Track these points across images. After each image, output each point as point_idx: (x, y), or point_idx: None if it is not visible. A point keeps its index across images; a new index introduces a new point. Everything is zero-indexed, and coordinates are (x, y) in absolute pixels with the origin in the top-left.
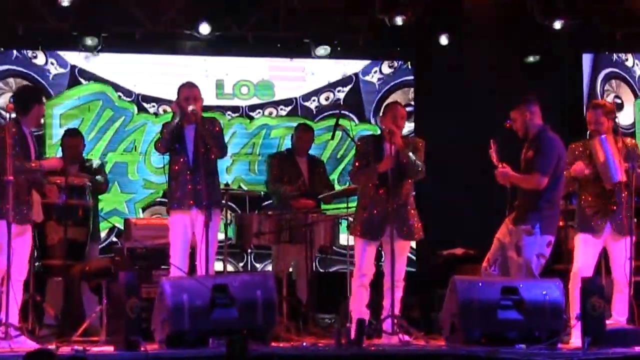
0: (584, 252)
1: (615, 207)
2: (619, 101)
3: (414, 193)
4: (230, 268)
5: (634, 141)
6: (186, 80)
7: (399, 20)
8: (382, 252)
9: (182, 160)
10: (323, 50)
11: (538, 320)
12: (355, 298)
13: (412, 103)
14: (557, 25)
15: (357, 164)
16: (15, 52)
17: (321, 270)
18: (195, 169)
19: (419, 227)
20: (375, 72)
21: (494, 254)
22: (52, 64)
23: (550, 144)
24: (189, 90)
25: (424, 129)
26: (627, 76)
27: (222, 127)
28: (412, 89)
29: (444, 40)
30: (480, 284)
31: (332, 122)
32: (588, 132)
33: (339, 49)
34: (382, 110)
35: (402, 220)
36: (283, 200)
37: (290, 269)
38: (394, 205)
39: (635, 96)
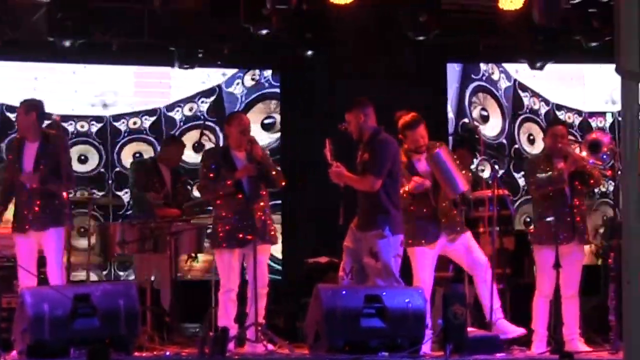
0: (422, 266)
1: (440, 213)
2: (485, 113)
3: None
4: (93, 277)
5: None
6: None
7: (264, 30)
8: (244, 261)
9: (19, 182)
10: (188, 64)
11: (401, 328)
12: (223, 312)
13: (273, 115)
14: (422, 36)
15: (207, 176)
16: None
17: (185, 279)
18: (33, 191)
19: (275, 233)
20: (238, 84)
21: (347, 262)
22: None
23: (383, 147)
24: (27, 105)
25: (290, 139)
26: (493, 89)
27: (67, 145)
28: (273, 101)
29: (310, 51)
30: (343, 292)
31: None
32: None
33: (203, 57)
34: (227, 120)
35: (262, 227)
36: (146, 208)
37: (152, 278)
38: (254, 213)
39: (501, 109)
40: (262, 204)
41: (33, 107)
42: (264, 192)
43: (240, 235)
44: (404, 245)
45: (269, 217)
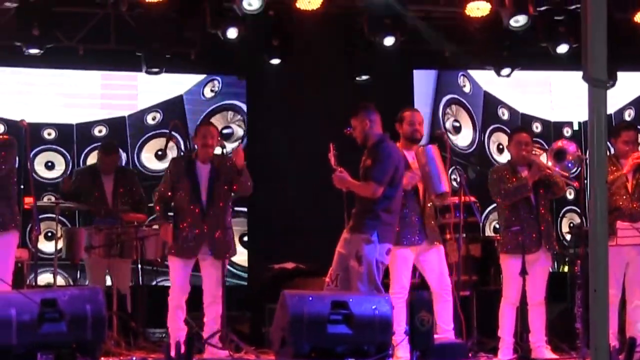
0: (402, 267)
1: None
2: (457, 124)
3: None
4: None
5: None
6: None
7: (231, 34)
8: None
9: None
10: (155, 69)
11: (367, 334)
12: (172, 319)
13: (231, 125)
14: (387, 42)
15: (164, 187)
16: None
17: (152, 285)
18: None
19: (233, 247)
20: (199, 94)
21: (335, 268)
22: None
23: (387, 153)
24: None
25: (256, 145)
26: (465, 101)
27: (10, 147)
28: (230, 112)
29: (275, 60)
30: (310, 298)
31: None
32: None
33: (169, 62)
34: (194, 131)
35: (217, 239)
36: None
37: (109, 282)
38: (210, 224)
39: (472, 120)
40: (220, 216)
41: None
42: (225, 206)
43: (194, 247)
44: (390, 254)
45: (226, 231)
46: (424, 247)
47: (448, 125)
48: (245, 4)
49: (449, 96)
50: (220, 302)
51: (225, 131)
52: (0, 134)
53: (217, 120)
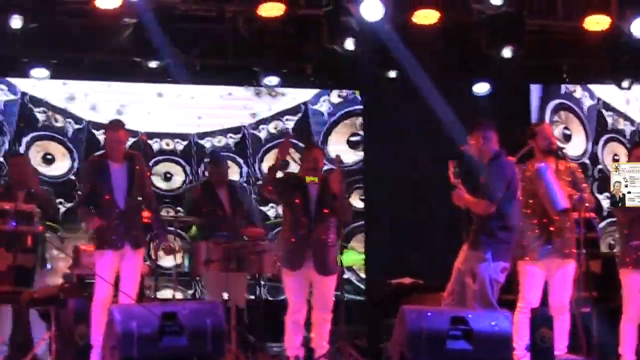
0: (530, 283)
1: (554, 230)
2: (567, 132)
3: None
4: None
5: (574, 164)
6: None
7: (348, 45)
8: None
9: (106, 198)
10: (272, 80)
11: (487, 350)
12: (289, 336)
13: (360, 132)
14: (506, 54)
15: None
16: None
17: (271, 299)
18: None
19: (336, 264)
20: (325, 101)
21: (453, 283)
22: (1, 90)
23: (499, 170)
24: (112, 129)
25: (373, 158)
26: (575, 107)
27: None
28: (360, 118)
29: (391, 73)
30: (429, 314)
31: None
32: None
33: (287, 77)
34: (303, 153)
35: (321, 255)
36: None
37: (226, 296)
38: (315, 240)
39: (584, 128)
40: (324, 233)
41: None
42: (331, 221)
43: (299, 258)
44: (505, 272)
45: (329, 248)
46: (555, 262)
47: (557, 132)
48: (364, 14)
49: (556, 101)
50: (328, 323)
51: (352, 138)
52: (135, 151)
53: (345, 127)
